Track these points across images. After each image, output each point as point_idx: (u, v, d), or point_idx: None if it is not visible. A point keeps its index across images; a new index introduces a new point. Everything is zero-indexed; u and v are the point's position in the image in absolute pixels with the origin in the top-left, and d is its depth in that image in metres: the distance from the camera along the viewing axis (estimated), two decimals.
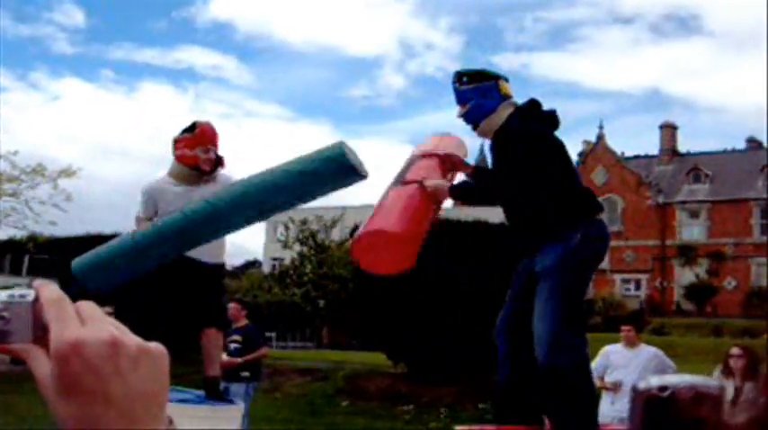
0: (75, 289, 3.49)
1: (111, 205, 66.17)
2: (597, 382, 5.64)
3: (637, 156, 48.39)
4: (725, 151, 46.83)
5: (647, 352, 6.63)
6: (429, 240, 3.73)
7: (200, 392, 4.73)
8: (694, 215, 44.73)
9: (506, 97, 3.81)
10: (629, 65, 78.50)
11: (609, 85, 78.87)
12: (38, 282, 0.63)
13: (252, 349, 8.07)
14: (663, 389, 1.76)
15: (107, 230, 17.52)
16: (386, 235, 3.56)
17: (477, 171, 4.05)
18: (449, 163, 3.95)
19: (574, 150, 43.16)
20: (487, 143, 3.91)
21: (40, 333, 0.60)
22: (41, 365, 0.60)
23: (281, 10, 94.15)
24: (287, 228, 27.56)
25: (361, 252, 3.62)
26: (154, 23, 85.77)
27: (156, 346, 0.62)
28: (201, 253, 4.39)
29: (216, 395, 4.65)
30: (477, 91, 3.78)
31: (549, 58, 76.90)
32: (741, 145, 47.22)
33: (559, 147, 3.73)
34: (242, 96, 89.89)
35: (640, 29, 75.15)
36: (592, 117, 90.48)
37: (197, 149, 4.53)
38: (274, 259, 42.13)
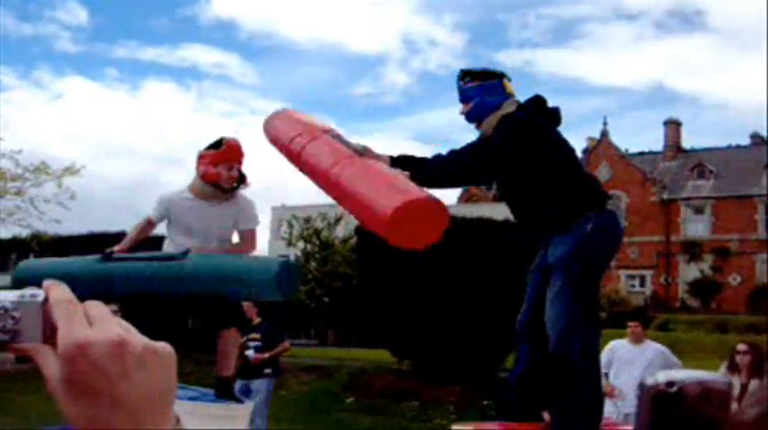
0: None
1: (115, 203, 66.29)
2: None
3: (641, 153, 48.32)
4: (729, 147, 46.68)
5: (653, 348, 6.63)
6: None
7: (207, 390, 4.73)
8: (699, 211, 44.63)
9: (510, 96, 3.81)
10: (632, 61, 78.11)
11: (613, 82, 78.40)
12: (47, 282, 0.63)
13: (273, 345, 8.16)
14: (670, 384, 1.75)
15: (112, 229, 17.53)
16: (424, 203, 3.41)
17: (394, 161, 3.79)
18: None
19: (578, 147, 42.84)
20: None
21: (50, 333, 0.60)
22: (50, 365, 0.60)
23: (285, 8, 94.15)
24: (291, 225, 27.49)
25: (398, 225, 3.31)
26: (157, 22, 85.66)
27: (162, 346, 0.62)
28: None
29: (228, 394, 4.62)
30: (481, 89, 3.78)
31: (553, 55, 76.53)
32: (745, 141, 47.11)
33: (553, 136, 3.69)
34: (246, 94, 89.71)
35: (644, 25, 74.71)
36: (596, 113, 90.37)
37: (221, 166, 4.46)
38: (278, 256, 42.14)
